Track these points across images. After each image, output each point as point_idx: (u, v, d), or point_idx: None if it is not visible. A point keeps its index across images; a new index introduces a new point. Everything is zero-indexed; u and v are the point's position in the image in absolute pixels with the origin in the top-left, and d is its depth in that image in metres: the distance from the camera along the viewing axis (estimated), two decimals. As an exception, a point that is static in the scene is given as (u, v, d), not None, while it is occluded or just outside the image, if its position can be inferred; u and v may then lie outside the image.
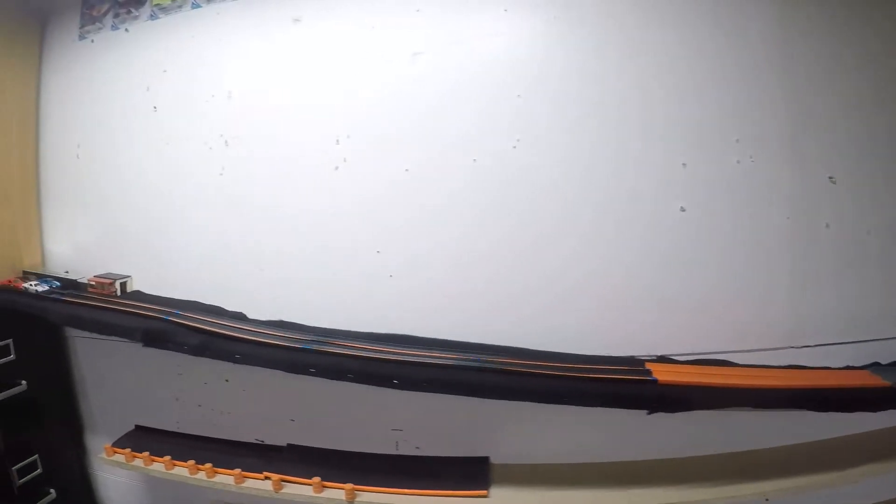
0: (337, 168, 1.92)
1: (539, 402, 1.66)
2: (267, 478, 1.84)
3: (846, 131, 1.64)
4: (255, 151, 1.99)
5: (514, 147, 1.80)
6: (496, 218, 1.80)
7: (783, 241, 1.67)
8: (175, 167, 2.11)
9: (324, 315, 1.93)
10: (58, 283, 2.19)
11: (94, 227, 2.31)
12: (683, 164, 1.67)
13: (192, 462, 1.97)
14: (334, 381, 1.72)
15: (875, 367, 1.66)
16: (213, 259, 2.07)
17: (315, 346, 1.80)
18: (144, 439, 2.24)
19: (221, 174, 2.03)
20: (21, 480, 2.34)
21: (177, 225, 2.13)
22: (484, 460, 1.90)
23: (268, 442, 2.12)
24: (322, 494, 1.76)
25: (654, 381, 1.58)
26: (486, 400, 1.60)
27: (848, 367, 1.67)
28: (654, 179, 1.70)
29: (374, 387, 1.67)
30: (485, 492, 1.74)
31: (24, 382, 2.28)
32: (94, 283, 2.17)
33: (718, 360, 1.70)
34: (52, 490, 2.42)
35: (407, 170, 1.85)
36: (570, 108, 1.75)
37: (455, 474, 1.82)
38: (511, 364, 1.68)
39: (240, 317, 2.00)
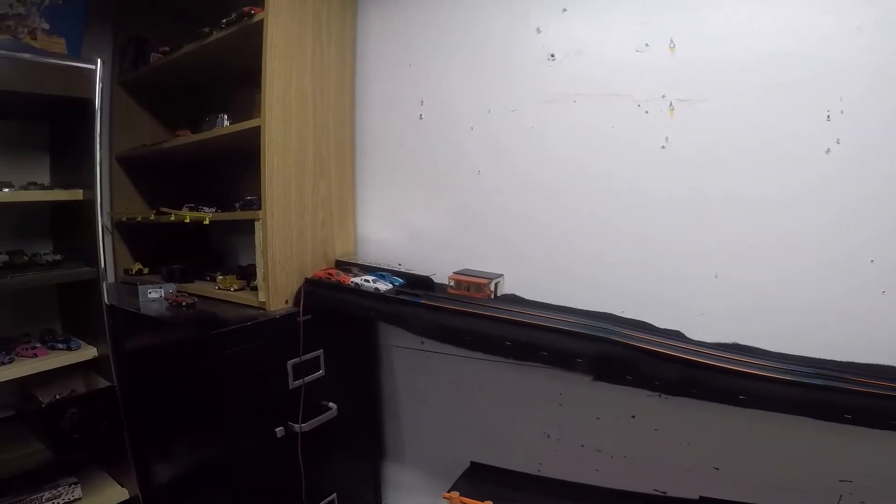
0: (828, 151, 1.28)
1: None
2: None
3: None
4: (711, 122, 1.35)
5: None
6: None
7: None
8: (585, 134, 1.47)
9: (782, 338, 1.33)
10: (401, 281, 1.52)
11: (434, 209, 1.64)
12: None
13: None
14: (775, 422, 1.23)
15: None
16: (626, 258, 1.46)
17: (829, 383, 1.17)
18: (493, 484, 1.61)
19: (664, 147, 1.37)
20: (312, 526, 1.66)
21: (580, 210, 1.50)
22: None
23: (672, 493, 1.52)
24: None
25: None
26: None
27: None
28: None
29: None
30: None
31: (333, 406, 1.60)
32: (454, 282, 1.49)
33: None
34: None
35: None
36: None
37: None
38: None
39: (677, 336, 1.39)
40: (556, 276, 1.53)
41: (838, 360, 1.28)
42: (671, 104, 1.38)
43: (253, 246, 2.02)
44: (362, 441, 1.83)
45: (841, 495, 1.38)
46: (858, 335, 1.29)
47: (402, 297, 1.48)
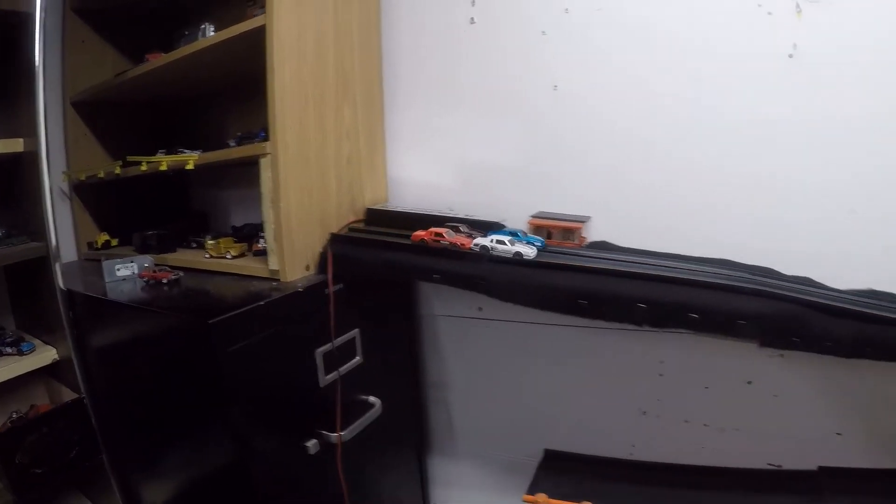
0: None
1: None
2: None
3: None
4: (850, 26, 0.92)
5: None
6: None
7: None
8: (694, 38, 1.02)
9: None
10: (540, 242, 1.02)
11: (492, 137, 1.18)
12: None
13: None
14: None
15: None
16: (745, 193, 1.03)
17: None
18: (577, 475, 1.17)
19: (791, 56, 0.96)
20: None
21: (686, 134, 1.05)
22: None
23: (788, 466, 1.15)
24: None
25: None
26: None
27: None
28: None
29: None
30: None
31: (376, 401, 1.10)
32: (534, 227, 1.01)
33: None
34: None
35: None
36: None
37: None
38: None
39: (807, 282, 0.99)
40: (653, 217, 1.09)
41: None
42: (797, 4, 0.95)
43: (250, 201, 1.48)
44: (402, 434, 1.36)
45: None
46: None
47: (549, 258, 0.97)
